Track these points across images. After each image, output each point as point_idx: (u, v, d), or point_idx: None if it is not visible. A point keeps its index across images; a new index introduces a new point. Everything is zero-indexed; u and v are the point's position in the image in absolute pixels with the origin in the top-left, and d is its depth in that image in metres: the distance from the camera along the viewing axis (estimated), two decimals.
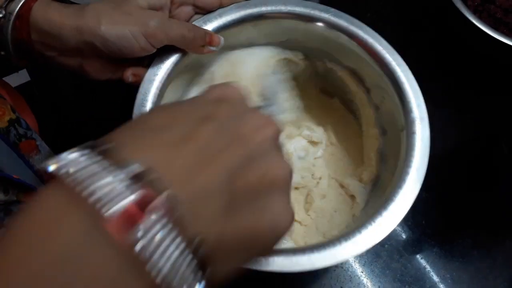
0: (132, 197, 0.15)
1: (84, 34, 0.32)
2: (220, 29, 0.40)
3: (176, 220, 0.16)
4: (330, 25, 0.41)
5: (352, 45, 0.41)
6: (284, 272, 0.32)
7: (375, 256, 0.45)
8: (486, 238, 0.47)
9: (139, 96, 0.36)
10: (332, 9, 0.41)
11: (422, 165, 0.36)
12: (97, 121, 0.49)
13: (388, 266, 0.45)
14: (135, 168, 0.16)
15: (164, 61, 0.38)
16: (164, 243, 0.15)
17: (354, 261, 0.45)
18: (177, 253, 0.15)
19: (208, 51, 0.38)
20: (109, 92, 0.50)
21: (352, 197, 0.44)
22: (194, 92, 0.43)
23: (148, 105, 0.36)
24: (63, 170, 0.15)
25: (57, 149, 0.37)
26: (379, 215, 0.35)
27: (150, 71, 0.37)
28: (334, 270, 0.44)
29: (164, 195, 0.16)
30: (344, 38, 0.41)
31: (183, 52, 0.38)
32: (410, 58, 0.52)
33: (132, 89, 0.37)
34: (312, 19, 0.41)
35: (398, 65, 0.39)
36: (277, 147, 0.22)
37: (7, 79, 0.39)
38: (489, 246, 0.47)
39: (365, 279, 0.44)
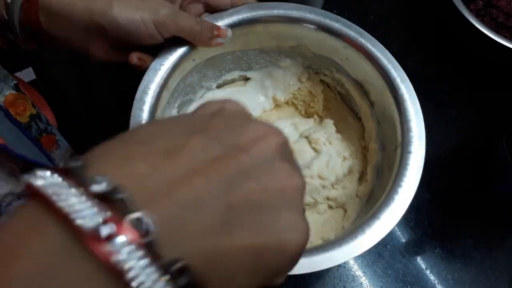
0: (94, 222, 0.14)
1: (95, 15, 0.32)
2: (230, 27, 0.40)
3: (147, 246, 0.14)
4: (339, 35, 0.41)
5: (359, 57, 0.40)
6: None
7: (377, 256, 0.45)
8: (487, 238, 0.46)
9: (142, 84, 0.38)
10: (343, 19, 0.41)
11: (412, 185, 0.35)
12: (102, 116, 0.51)
13: (390, 267, 0.44)
14: (101, 187, 0.14)
15: (171, 53, 0.39)
16: (137, 270, 0.14)
17: (357, 261, 0.45)
18: (152, 280, 0.14)
19: (216, 43, 0.39)
20: (113, 87, 0.52)
21: (345, 210, 0.44)
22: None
23: (150, 93, 0.37)
24: (37, 183, 0.15)
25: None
26: (361, 231, 0.34)
27: (156, 61, 0.38)
28: (337, 269, 0.44)
29: (128, 219, 0.14)
30: (351, 49, 0.40)
31: (191, 46, 0.39)
32: (412, 60, 0.52)
33: (137, 82, 0.38)
34: (321, 27, 0.41)
35: (402, 81, 0.39)
36: (284, 157, 0.19)
37: None
38: (490, 247, 0.46)
39: (367, 279, 0.44)
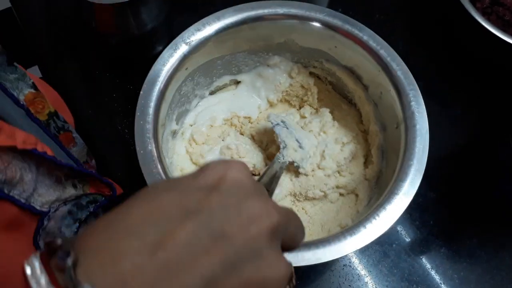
0: None
1: None
2: (219, 31, 0.41)
3: None
4: (325, 24, 0.42)
5: (348, 43, 0.41)
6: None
7: (383, 255, 0.45)
8: (493, 238, 0.47)
9: (141, 98, 0.37)
10: (327, 9, 0.42)
11: (423, 157, 0.36)
12: (106, 116, 0.50)
13: (396, 266, 0.44)
14: None
15: (165, 64, 0.39)
16: None
17: (362, 261, 0.45)
18: None
19: None
20: (117, 88, 0.51)
21: (356, 194, 0.45)
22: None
23: (151, 105, 0.37)
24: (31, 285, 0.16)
25: None
26: (382, 209, 0.35)
27: (151, 74, 0.38)
28: (343, 268, 0.44)
29: None
30: (339, 37, 0.41)
31: (183, 55, 0.39)
32: (418, 58, 0.52)
33: (142, 80, 0.38)
34: (308, 20, 0.42)
35: (393, 60, 0.40)
36: (276, 243, 0.20)
37: None
38: (496, 247, 0.46)
39: (372, 278, 0.44)
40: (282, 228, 0.20)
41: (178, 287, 0.16)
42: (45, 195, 0.29)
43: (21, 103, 0.31)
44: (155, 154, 0.35)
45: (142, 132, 0.36)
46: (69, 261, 0.16)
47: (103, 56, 0.53)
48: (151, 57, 0.39)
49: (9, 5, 0.56)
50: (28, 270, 0.16)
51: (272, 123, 0.43)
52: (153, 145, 0.36)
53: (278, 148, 0.45)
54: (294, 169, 0.43)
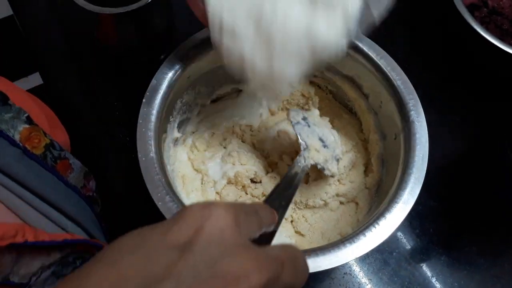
0: None
1: None
2: None
3: None
4: None
5: (348, 53, 0.42)
6: None
7: (383, 263, 0.45)
8: (493, 246, 0.47)
9: (143, 106, 0.38)
10: None
11: (422, 166, 0.37)
12: (108, 124, 0.50)
13: (396, 274, 0.44)
14: None
15: (167, 73, 0.39)
16: None
17: (363, 269, 0.45)
18: None
19: None
20: (118, 96, 0.52)
21: (356, 203, 0.45)
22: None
23: (154, 113, 0.38)
24: None
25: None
26: (382, 217, 0.35)
27: (154, 82, 0.39)
28: (343, 277, 0.44)
29: None
30: None
31: (184, 63, 0.40)
32: (417, 66, 0.52)
33: (143, 90, 0.38)
34: None
35: (393, 69, 0.40)
36: None
37: (18, 83, 0.40)
38: (496, 254, 0.46)
39: (373, 287, 0.44)
40: (269, 285, 0.17)
41: None
42: (26, 267, 0.27)
43: (17, 142, 0.30)
44: (157, 161, 0.36)
45: (144, 139, 0.36)
46: None
47: (105, 65, 0.54)
48: (153, 66, 0.40)
49: (11, 12, 0.56)
50: None
51: (291, 121, 0.40)
52: (155, 152, 0.36)
53: (279, 157, 0.46)
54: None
